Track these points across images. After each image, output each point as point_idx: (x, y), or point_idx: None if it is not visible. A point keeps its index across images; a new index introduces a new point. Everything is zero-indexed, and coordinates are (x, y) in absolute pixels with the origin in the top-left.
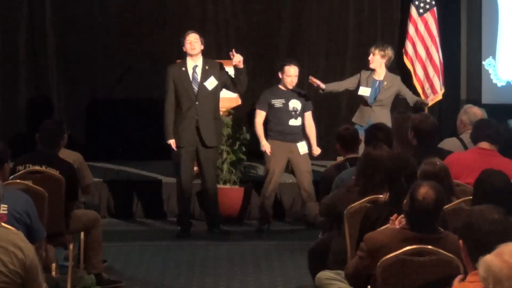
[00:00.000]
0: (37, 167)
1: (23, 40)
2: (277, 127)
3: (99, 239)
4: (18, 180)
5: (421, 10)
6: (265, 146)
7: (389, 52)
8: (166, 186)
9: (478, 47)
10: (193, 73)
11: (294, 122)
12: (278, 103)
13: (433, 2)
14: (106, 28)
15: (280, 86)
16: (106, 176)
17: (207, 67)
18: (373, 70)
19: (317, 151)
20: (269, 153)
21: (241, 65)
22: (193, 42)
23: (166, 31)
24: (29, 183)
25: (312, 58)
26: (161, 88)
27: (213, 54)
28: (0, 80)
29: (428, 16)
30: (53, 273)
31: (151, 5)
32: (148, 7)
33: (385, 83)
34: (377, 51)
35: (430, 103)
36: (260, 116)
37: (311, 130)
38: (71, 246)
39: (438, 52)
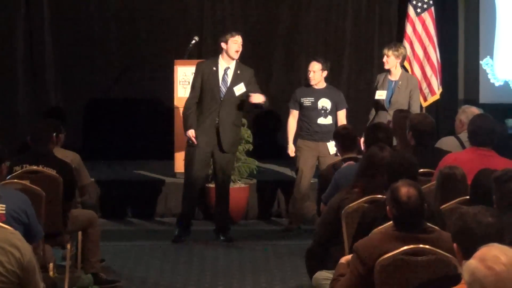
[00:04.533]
0: (34, 167)
1: (20, 40)
2: (306, 126)
3: (96, 239)
4: (15, 180)
5: (418, 10)
6: (290, 149)
7: (403, 50)
8: (164, 185)
9: (475, 46)
10: (223, 75)
11: (323, 120)
12: (307, 101)
13: (431, 2)
14: (104, 29)
15: (312, 84)
16: (103, 176)
17: (239, 72)
18: (388, 71)
19: None
20: (292, 156)
21: (263, 99)
22: (240, 45)
23: (163, 32)
24: (27, 182)
25: (310, 58)
26: (158, 89)
27: (210, 53)
28: None
29: (426, 15)
30: (51, 272)
31: (149, 5)
32: (146, 7)
33: (400, 83)
34: (390, 52)
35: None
36: (292, 115)
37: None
38: (68, 246)
39: (435, 51)
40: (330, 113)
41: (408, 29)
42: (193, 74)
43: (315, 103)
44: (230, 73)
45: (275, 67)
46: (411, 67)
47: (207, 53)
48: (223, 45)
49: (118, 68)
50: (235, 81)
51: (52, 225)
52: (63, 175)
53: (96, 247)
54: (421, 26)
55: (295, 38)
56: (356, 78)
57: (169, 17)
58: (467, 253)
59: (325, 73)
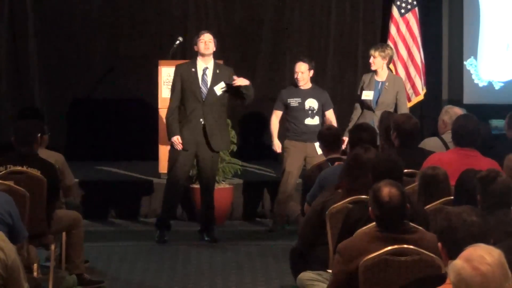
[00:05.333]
0: (19, 168)
1: (4, 40)
2: (293, 127)
3: (80, 240)
4: None
5: (402, 10)
6: (276, 145)
7: (390, 51)
8: (148, 186)
9: (459, 47)
10: (203, 75)
11: (311, 121)
12: (294, 102)
13: (415, 2)
14: (87, 28)
15: (300, 85)
16: (87, 177)
17: (218, 71)
18: (374, 72)
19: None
20: (279, 152)
21: (247, 82)
22: (208, 42)
23: (147, 32)
24: (11, 183)
25: (294, 59)
26: (142, 89)
27: (195, 54)
28: None
29: (410, 16)
30: (35, 273)
31: (132, 5)
32: (129, 7)
33: (387, 84)
34: (377, 53)
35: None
36: (275, 115)
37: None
38: (52, 247)
39: (419, 52)
40: (317, 114)
41: (392, 30)
42: (172, 77)
43: (302, 104)
44: (209, 73)
45: (259, 67)
46: (395, 67)
47: (192, 54)
48: (195, 47)
49: (102, 68)
50: (215, 81)
51: (36, 226)
52: (47, 175)
53: (80, 248)
54: (405, 27)
55: (280, 38)
56: (340, 78)
57: (153, 18)
58: (452, 253)
59: (311, 72)
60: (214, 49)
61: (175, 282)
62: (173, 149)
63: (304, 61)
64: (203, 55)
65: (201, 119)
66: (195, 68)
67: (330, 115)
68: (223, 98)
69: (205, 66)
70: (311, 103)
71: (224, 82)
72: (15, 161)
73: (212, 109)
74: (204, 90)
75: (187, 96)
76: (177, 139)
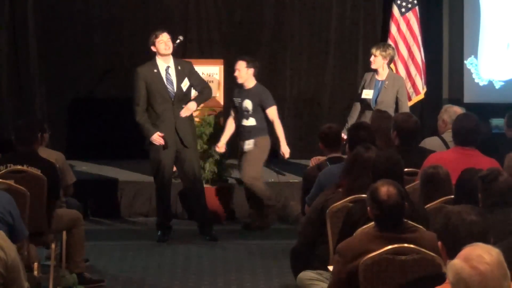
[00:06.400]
0: (19, 167)
1: (4, 39)
2: (237, 126)
3: (81, 238)
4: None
5: (403, 9)
6: (218, 145)
7: (391, 52)
8: (149, 185)
9: (460, 46)
10: (166, 75)
11: (245, 122)
12: (236, 102)
13: (415, 1)
14: (88, 28)
15: (239, 83)
16: (88, 176)
17: (179, 68)
18: (375, 71)
19: (286, 152)
20: (222, 152)
21: (192, 111)
22: (167, 42)
23: (147, 31)
24: (11, 182)
25: (294, 57)
26: None
27: (195, 54)
28: None
29: (410, 15)
30: (35, 272)
31: (133, 4)
32: (130, 6)
33: (386, 82)
34: (378, 52)
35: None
36: (231, 115)
37: (276, 128)
38: (53, 245)
39: (420, 51)
40: (252, 115)
41: (393, 29)
42: (135, 81)
43: (241, 104)
44: (172, 71)
45: (260, 67)
46: (396, 66)
47: (192, 53)
48: (153, 48)
49: (102, 67)
50: (180, 78)
51: (36, 225)
52: (48, 174)
53: (80, 247)
54: (405, 26)
55: (279, 38)
56: (341, 78)
57: (154, 17)
58: (452, 252)
59: (251, 70)
60: (173, 46)
61: (175, 281)
62: (153, 152)
63: (243, 59)
64: (162, 55)
65: (172, 118)
66: (157, 69)
67: (270, 113)
68: (188, 94)
69: (166, 65)
70: (247, 104)
71: (187, 79)
72: (15, 160)
73: (180, 106)
74: (171, 89)
75: (154, 98)
76: (157, 135)
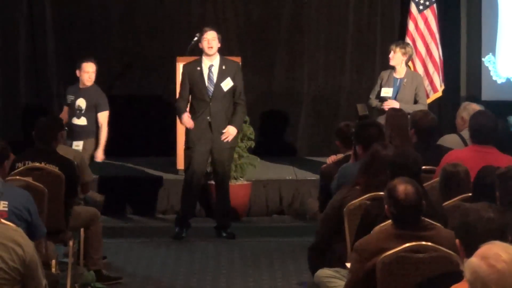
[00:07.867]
0: (37, 164)
1: (23, 40)
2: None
3: (98, 236)
4: (17, 177)
5: (421, 7)
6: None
7: (410, 50)
8: (166, 182)
9: (478, 44)
10: (209, 73)
11: (77, 121)
12: (69, 99)
13: None
14: (106, 27)
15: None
16: (105, 173)
17: (224, 67)
18: (393, 69)
19: (99, 157)
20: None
21: (233, 134)
22: (211, 41)
23: (165, 30)
24: (29, 179)
25: (312, 55)
26: (160, 86)
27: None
28: (0, 80)
29: (428, 12)
30: (53, 269)
31: (151, 3)
32: (147, 5)
33: (405, 80)
34: (398, 49)
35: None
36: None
37: (100, 131)
38: (71, 243)
39: (438, 49)
40: (85, 114)
41: (411, 26)
42: (181, 77)
43: (74, 102)
44: (215, 70)
45: (277, 64)
46: (414, 64)
47: None
48: (200, 45)
49: (120, 64)
50: (221, 77)
51: (54, 222)
52: (66, 172)
53: (98, 244)
54: (423, 23)
55: (298, 35)
56: (358, 74)
57: (172, 14)
58: (469, 249)
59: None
60: (219, 45)
61: (192, 279)
62: (188, 148)
63: (91, 61)
64: (206, 54)
65: (207, 117)
66: (200, 66)
67: (100, 117)
68: (230, 94)
69: (210, 63)
70: (80, 103)
71: (230, 79)
72: (33, 157)
73: (219, 105)
74: (210, 88)
75: (194, 95)
76: (187, 116)
